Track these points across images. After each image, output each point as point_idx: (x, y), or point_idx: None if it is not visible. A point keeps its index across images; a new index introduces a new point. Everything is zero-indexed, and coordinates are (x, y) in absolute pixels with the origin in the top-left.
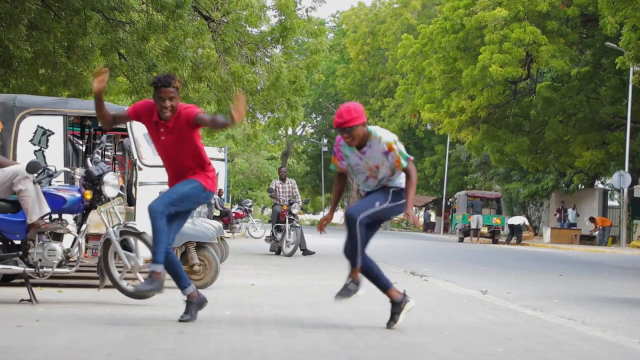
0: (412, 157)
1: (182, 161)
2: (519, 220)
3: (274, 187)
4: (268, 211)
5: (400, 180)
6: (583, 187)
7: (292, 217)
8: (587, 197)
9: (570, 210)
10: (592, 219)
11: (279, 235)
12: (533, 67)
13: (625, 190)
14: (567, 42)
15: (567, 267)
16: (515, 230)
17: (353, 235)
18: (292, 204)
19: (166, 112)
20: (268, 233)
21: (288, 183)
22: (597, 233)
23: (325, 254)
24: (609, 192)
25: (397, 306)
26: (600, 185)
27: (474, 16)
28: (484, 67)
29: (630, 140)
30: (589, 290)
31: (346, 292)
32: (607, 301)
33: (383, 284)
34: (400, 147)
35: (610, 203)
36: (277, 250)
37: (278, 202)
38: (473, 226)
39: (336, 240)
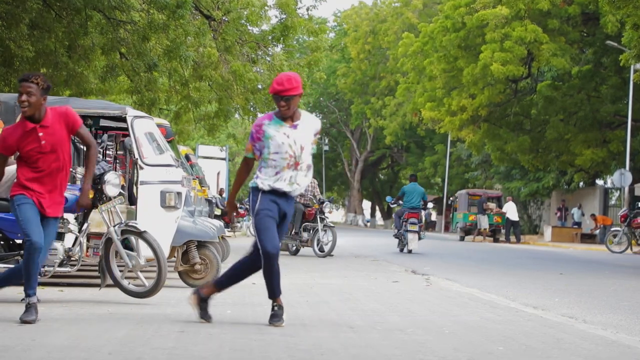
0: None
1: (60, 167)
2: (513, 211)
3: None
4: None
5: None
6: (584, 185)
7: (323, 217)
8: (588, 196)
9: (575, 210)
10: (593, 216)
11: (305, 235)
12: (534, 66)
13: (626, 189)
14: (568, 40)
15: (567, 265)
16: (514, 227)
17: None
18: (322, 203)
19: (24, 105)
20: None
21: (311, 182)
22: (597, 231)
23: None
24: (609, 191)
25: (282, 309)
26: (601, 183)
27: (475, 15)
28: (485, 66)
29: (631, 139)
30: (589, 289)
31: (278, 317)
32: (607, 300)
33: (280, 289)
34: None
35: (611, 202)
36: (295, 251)
37: (299, 201)
38: (481, 225)
39: (341, 240)
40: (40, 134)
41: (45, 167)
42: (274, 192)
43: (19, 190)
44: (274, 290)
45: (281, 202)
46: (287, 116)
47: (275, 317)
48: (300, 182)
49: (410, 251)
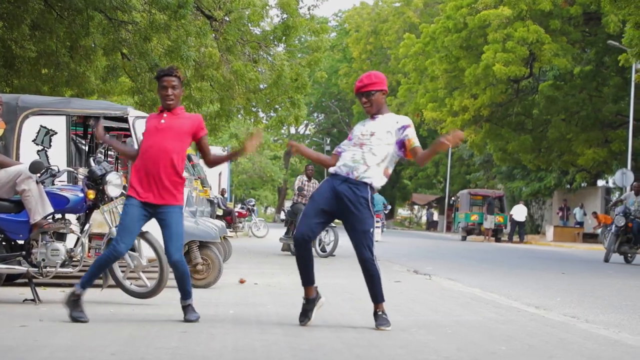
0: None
1: (168, 159)
2: (521, 213)
3: (302, 185)
4: (271, 210)
5: (376, 177)
6: (585, 185)
7: None
8: (589, 196)
9: (577, 209)
10: (595, 214)
11: None
12: (535, 66)
13: (628, 188)
14: (569, 40)
15: (569, 265)
16: (519, 227)
17: (376, 273)
18: None
19: (169, 100)
20: (271, 232)
21: (313, 182)
22: (599, 230)
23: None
24: (611, 190)
25: (311, 303)
26: (602, 182)
27: (477, 15)
28: (487, 66)
29: (632, 138)
30: (591, 288)
31: (385, 321)
32: (610, 299)
33: (310, 278)
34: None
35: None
36: None
37: (300, 202)
38: (487, 225)
39: (343, 240)
40: (165, 115)
41: (152, 154)
42: (335, 176)
43: (129, 189)
44: (303, 278)
45: (338, 188)
46: (370, 113)
47: (304, 315)
48: (368, 160)
49: (376, 241)
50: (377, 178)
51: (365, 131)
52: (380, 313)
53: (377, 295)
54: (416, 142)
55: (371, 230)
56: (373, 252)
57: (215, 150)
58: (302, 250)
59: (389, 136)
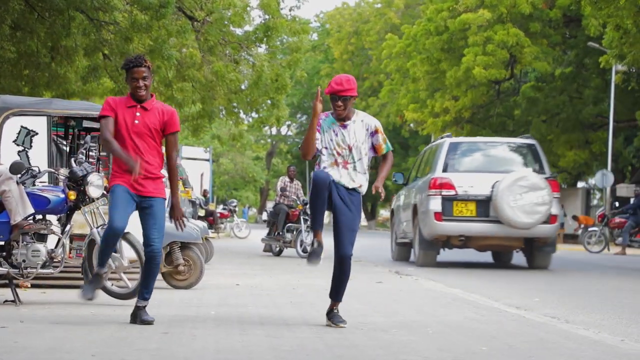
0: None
1: (147, 151)
2: None
3: (284, 186)
4: (252, 211)
5: (364, 183)
6: (566, 186)
7: (307, 218)
8: (570, 197)
9: None
10: (575, 217)
11: (289, 236)
12: (517, 68)
13: (608, 190)
14: (550, 43)
15: (550, 265)
16: None
17: (349, 272)
18: (306, 204)
19: (140, 91)
20: (253, 233)
21: (295, 183)
22: (580, 232)
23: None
24: (591, 191)
25: (320, 247)
26: (582, 184)
27: (458, 18)
28: (468, 69)
29: (612, 140)
30: (571, 289)
31: (342, 318)
32: (590, 299)
33: (321, 223)
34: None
35: (593, 202)
36: (278, 252)
37: (283, 202)
38: None
39: (324, 241)
40: (138, 114)
41: (130, 149)
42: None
43: (113, 179)
44: (315, 222)
45: (334, 183)
46: (341, 117)
47: (316, 255)
48: (355, 179)
49: None
50: (365, 184)
51: (342, 144)
52: (336, 311)
53: (340, 294)
54: (385, 149)
55: (357, 230)
56: (351, 252)
57: (197, 151)
58: (323, 191)
59: (365, 145)
